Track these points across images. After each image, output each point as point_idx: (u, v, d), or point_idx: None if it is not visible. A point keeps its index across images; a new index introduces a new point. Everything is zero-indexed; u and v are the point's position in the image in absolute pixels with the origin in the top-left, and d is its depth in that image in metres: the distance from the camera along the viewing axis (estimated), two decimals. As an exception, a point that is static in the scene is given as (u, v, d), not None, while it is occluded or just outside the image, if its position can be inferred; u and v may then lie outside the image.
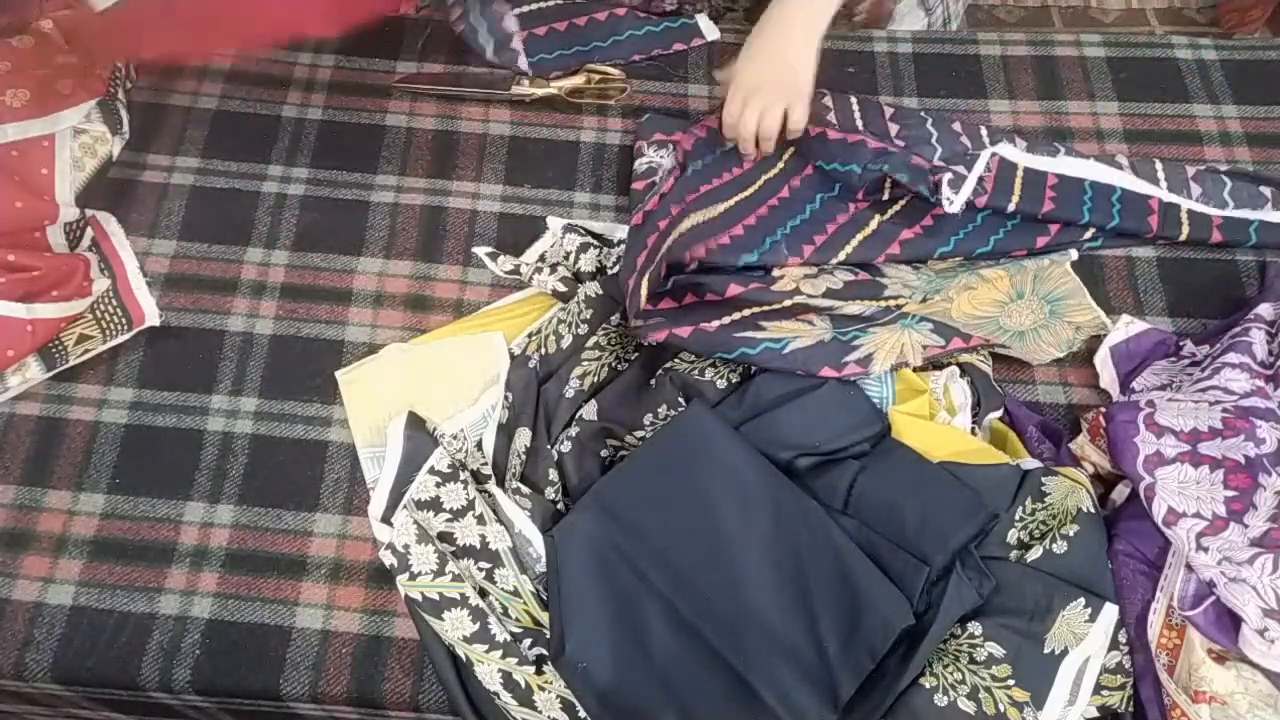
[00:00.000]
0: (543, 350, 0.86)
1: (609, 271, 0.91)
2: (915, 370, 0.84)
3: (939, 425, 0.82)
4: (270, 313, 0.91)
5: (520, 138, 1.01)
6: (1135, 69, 1.04)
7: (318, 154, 0.99)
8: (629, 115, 1.02)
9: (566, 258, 0.91)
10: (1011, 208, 0.89)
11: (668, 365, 0.85)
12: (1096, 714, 0.73)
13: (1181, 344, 0.87)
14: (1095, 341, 0.89)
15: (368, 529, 0.82)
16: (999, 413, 0.84)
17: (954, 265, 0.90)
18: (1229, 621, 0.70)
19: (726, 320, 0.82)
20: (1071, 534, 0.74)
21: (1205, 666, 0.69)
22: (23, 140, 0.88)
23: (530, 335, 0.88)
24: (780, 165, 0.94)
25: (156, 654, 0.77)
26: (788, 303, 0.82)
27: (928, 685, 0.70)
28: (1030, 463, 0.80)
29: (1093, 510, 0.76)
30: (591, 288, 0.88)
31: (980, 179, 0.89)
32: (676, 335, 0.82)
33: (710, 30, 1.06)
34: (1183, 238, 0.92)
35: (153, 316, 0.89)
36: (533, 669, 0.74)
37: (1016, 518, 0.76)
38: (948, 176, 0.86)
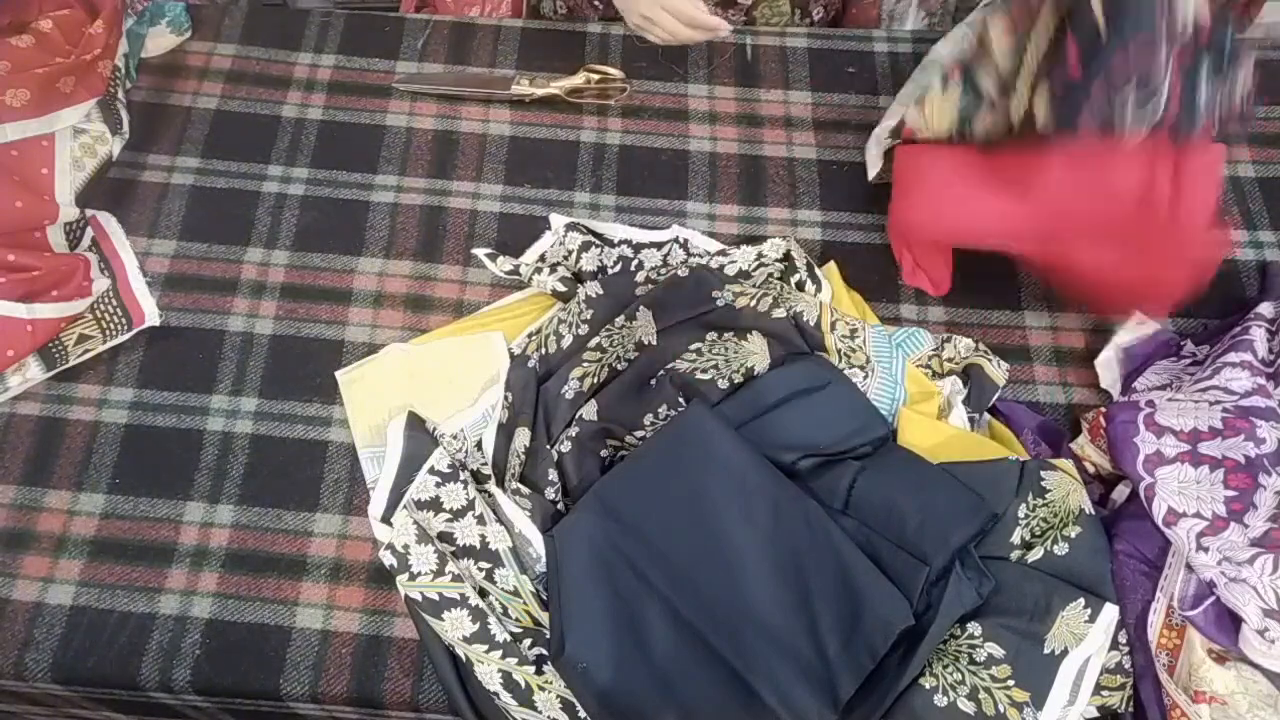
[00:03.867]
0: (543, 350, 0.86)
1: (609, 271, 0.91)
2: (923, 365, 0.86)
3: (945, 425, 0.82)
4: (270, 313, 0.91)
5: (520, 138, 1.01)
6: (1135, 69, 1.04)
7: (318, 154, 0.99)
8: (629, 115, 1.02)
9: (568, 256, 0.91)
10: None
11: (668, 365, 0.85)
12: (1096, 714, 0.73)
13: (1182, 344, 0.87)
14: (1099, 341, 0.88)
15: (368, 529, 0.82)
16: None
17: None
18: (1229, 621, 0.70)
19: None
20: (1073, 535, 0.74)
21: (1205, 667, 0.69)
22: (22, 140, 0.88)
23: (530, 335, 0.88)
24: None
25: (156, 654, 0.77)
26: None
27: (927, 685, 0.70)
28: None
29: (1092, 511, 0.76)
30: (592, 288, 0.88)
31: None
32: None
33: None
34: None
35: (153, 316, 0.89)
36: (533, 669, 0.74)
37: (1020, 516, 0.76)
38: None
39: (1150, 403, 0.78)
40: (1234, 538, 0.71)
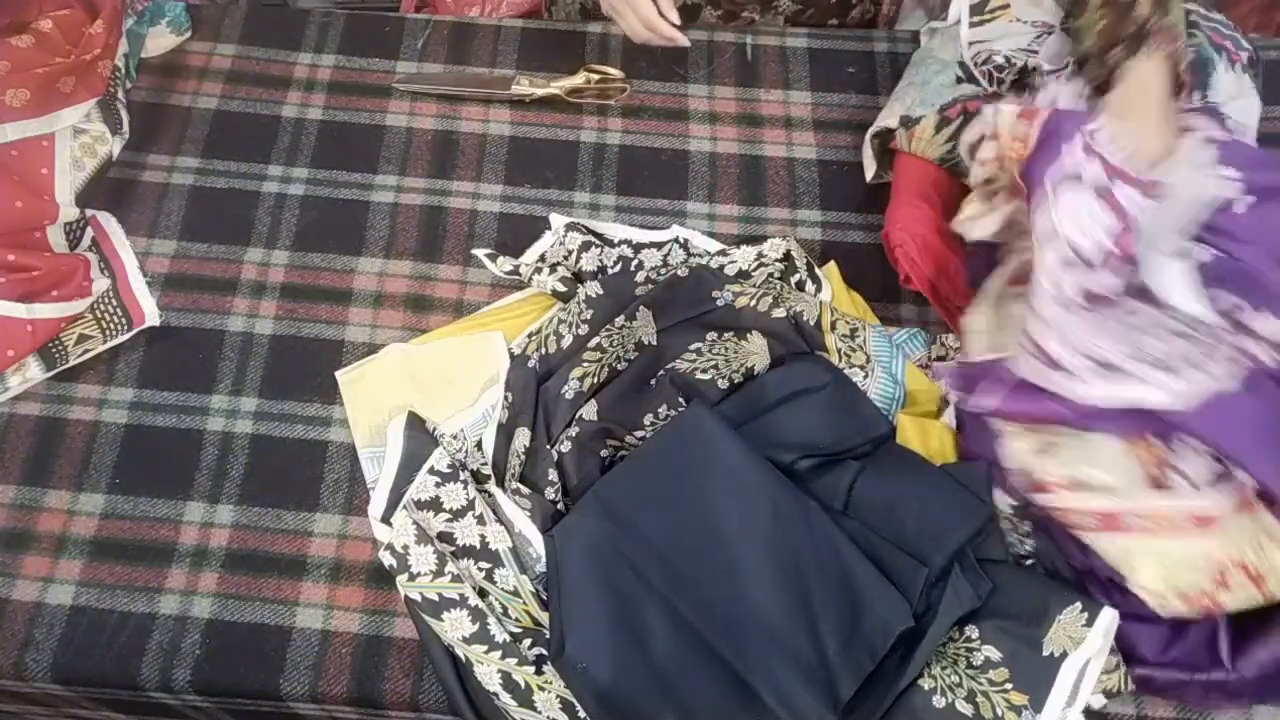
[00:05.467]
0: (543, 350, 0.86)
1: (609, 271, 0.91)
2: (923, 364, 0.86)
3: (945, 426, 0.82)
4: (270, 313, 0.91)
5: (520, 138, 1.01)
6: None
7: (318, 154, 0.99)
8: (629, 115, 1.02)
9: (568, 256, 0.91)
10: None
11: (668, 365, 0.85)
12: (1105, 699, 0.72)
13: None
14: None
15: (368, 529, 0.82)
16: None
17: None
18: (1032, 390, 0.72)
19: None
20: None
21: (1039, 464, 0.72)
22: (22, 140, 0.88)
23: (530, 335, 0.88)
24: None
25: (156, 654, 0.77)
26: None
27: (926, 687, 0.70)
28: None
29: None
30: (592, 288, 0.88)
31: None
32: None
33: None
34: None
35: (153, 316, 0.89)
36: (532, 669, 0.74)
37: None
38: None
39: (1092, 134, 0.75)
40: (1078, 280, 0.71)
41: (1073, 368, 0.70)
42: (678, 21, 0.93)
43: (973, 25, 0.97)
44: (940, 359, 0.87)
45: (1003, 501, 0.77)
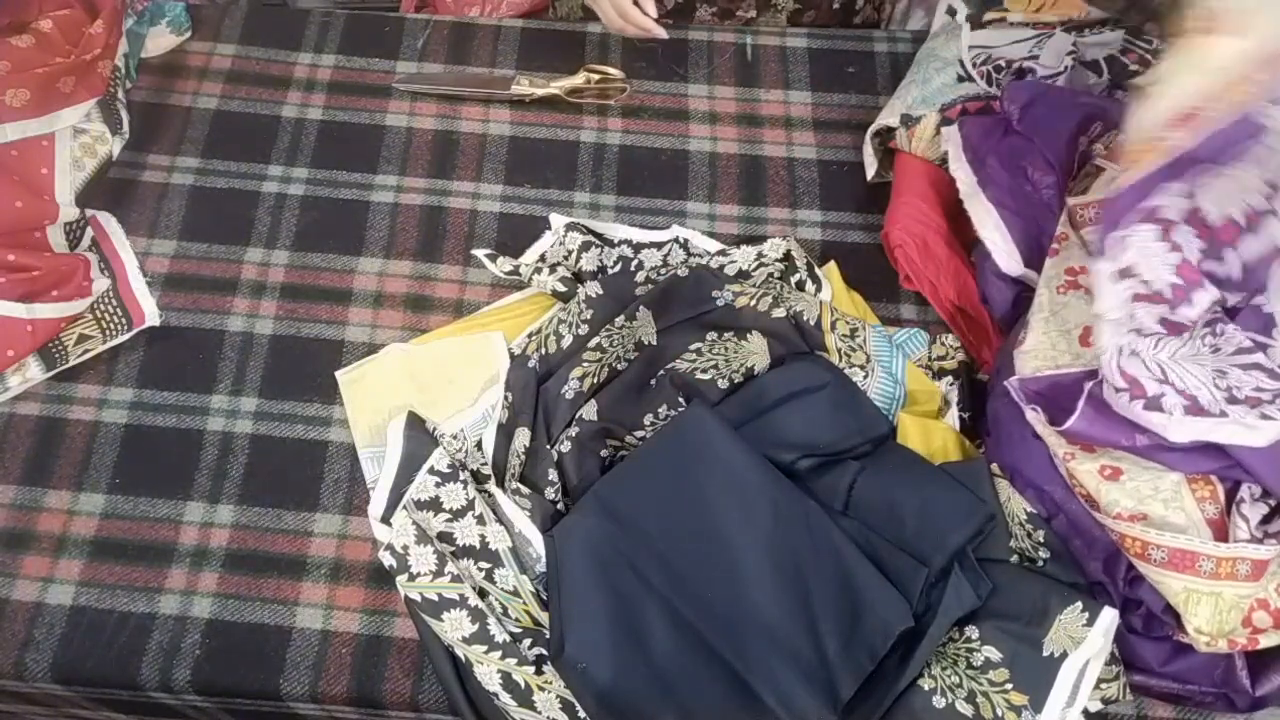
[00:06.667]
0: (543, 350, 0.86)
1: (609, 271, 0.91)
2: (923, 365, 0.87)
3: (945, 426, 0.82)
4: (270, 313, 0.91)
5: (520, 138, 1.01)
6: (1137, 68, 1.04)
7: (318, 154, 0.99)
8: (629, 115, 1.02)
9: (568, 256, 0.91)
10: None
11: (668, 365, 0.85)
12: (1101, 706, 0.72)
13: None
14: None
15: (368, 529, 0.82)
16: None
17: None
18: (1110, 414, 0.70)
19: None
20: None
21: (1105, 490, 0.70)
22: (22, 140, 0.88)
23: (530, 335, 0.88)
24: None
25: (156, 654, 0.77)
26: None
27: (926, 687, 0.70)
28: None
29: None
30: (592, 288, 0.88)
31: None
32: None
33: None
34: None
35: (153, 316, 0.89)
36: (532, 669, 0.74)
37: None
38: None
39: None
40: (1155, 311, 0.70)
41: (1167, 407, 0.67)
42: (654, 13, 0.93)
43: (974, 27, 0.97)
44: (940, 359, 0.87)
45: (1019, 509, 0.76)
